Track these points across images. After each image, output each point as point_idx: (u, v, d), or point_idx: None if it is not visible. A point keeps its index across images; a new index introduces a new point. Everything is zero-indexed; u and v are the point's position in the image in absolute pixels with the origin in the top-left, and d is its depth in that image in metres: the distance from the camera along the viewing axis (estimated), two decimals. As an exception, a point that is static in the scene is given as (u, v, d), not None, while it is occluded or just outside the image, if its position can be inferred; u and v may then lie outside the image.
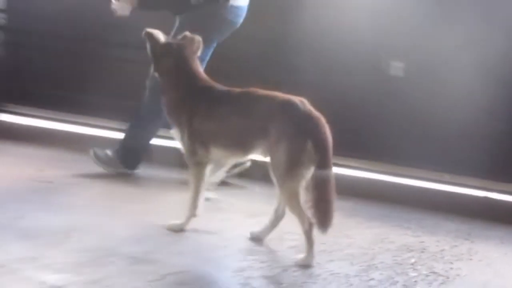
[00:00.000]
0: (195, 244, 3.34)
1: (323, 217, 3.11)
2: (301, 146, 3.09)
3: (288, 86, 3.80)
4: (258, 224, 3.54)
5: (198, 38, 3.44)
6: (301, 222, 3.16)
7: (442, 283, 3.18)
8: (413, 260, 3.50)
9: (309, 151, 3.09)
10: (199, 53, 3.47)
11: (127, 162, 4.14)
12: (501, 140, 4.51)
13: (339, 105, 4.43)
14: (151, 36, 3.41)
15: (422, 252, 3.66)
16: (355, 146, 4.63)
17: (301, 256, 3.21)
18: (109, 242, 3.22)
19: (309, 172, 3.14)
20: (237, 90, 3.41)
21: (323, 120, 3.17)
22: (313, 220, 3.12)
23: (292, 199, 3.16)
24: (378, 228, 3.93)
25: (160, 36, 3.42)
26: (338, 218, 3.65)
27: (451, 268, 3.40)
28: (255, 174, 4.24)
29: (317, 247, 3.30)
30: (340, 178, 3.76)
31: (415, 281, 3.16)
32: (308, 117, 3.15)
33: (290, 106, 3.17)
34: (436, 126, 4.55)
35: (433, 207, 4.43)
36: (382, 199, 4.48)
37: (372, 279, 3.13)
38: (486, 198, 4.70)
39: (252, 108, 3.26)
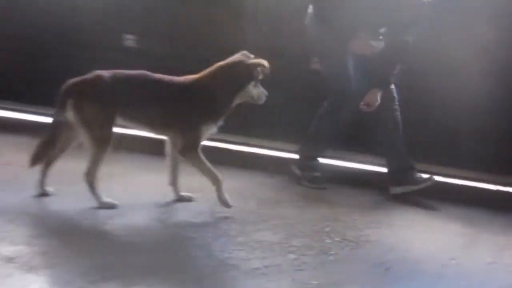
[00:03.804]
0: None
1: None
2: None
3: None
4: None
5: None
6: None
7: (352, 248, 3.43)
8: (328, 229, 3.73)
9: None
10: None
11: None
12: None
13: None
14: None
15: (337, 221, 3.89)
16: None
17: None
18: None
19: None
20: None
21: None
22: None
23: None
24: (300, 202, 4.16)
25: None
26: (270, 195, 4.16)
27: (362, 235, 3.64)
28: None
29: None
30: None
31: (330, 247, 3.40)
32: None
33: None
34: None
35: (350, 183, 4.58)
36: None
37: (292, 246, 3.39)
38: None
39: None
